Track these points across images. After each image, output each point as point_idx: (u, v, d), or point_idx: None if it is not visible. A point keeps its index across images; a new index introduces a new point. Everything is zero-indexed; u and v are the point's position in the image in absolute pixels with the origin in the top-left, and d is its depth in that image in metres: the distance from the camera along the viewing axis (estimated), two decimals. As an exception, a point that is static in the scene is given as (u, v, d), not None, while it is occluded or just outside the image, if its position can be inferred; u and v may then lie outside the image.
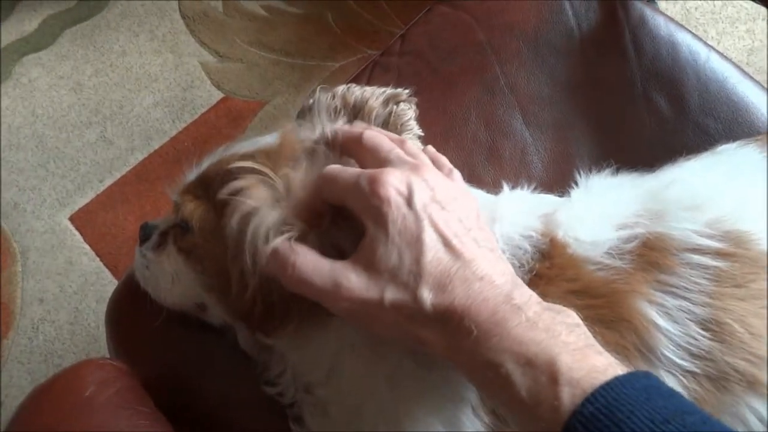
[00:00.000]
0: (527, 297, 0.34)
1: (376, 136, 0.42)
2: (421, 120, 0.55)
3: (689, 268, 0.38)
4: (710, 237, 0.38)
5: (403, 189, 0.36)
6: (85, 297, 1.12)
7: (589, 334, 0.34)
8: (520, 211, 0.43)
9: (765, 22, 1.29)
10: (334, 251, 0.39)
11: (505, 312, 0.33)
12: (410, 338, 0.36)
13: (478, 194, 0.48)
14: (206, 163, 0.47)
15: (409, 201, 0.36)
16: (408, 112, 0.52)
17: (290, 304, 0.40)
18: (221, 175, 0.43)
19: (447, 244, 0.35)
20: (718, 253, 0.38)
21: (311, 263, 0.37)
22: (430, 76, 0.62)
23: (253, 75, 1.31)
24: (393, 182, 0.36)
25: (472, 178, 0.52)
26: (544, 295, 0.37)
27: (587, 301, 0.38)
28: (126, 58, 1.34)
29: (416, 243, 0.35)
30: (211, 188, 0.44)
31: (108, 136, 1.25)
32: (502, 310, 0.33)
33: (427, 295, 0.34)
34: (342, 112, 0.51)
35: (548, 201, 0.46)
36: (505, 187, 0.47)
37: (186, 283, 0.46)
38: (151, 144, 1.24)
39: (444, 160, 0.43)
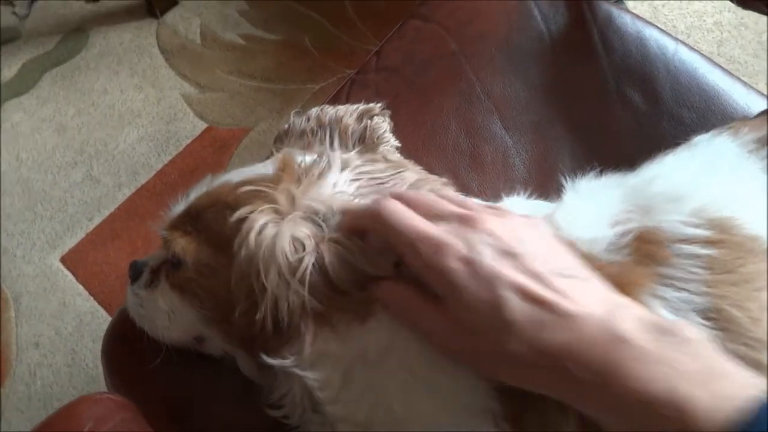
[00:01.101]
0: (631, 321, 0.32)
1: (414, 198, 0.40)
2: (401, 132, 0.56)
3: (683, 259, 0.38)
4: (697, 226, 0.39)
5: (465, 253, 0.35)
6: (81, 338, 1.11)
7: (708, 344, 0.32)
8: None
9: (732, 14, 1.32)
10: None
11: (610, 350, 0.31)
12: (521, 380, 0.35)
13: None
14: (192, 196, 0.47)
15: (475, 265, 0.34)
16: (382, 125, 0.53)
17: (300, 320, 0.40)
18: (214, 207, 0.43)
19: (527, 295, 0.33)
20: (706, 242, 0.38)
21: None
22: (406, 89, 0.63)
23: (235, 103, 1.32)
24: (454, 250, 0.35)
25: (457, 185, 0.52)
26: None
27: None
28: (107, 96, 1.34)
29: (495, 306, 0.33)
30: (200, 221, 0.44)
31: (94, 175, 1.26)
32: (605, 349, 0.31)
33: (519, 347, 0.33)
34: (318, 133, 0.52)
35: (544, 206, 0.46)
36: (503, 196, 0.47)
37: (183, 318, 0.46)
38: (137, 179, 1.24)
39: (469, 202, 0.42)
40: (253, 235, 0.39)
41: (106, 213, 1.21)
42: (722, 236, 0.38)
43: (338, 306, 0.39)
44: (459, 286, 0.34)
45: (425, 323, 0.37)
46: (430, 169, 0.56)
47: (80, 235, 1.20)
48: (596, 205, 0.43)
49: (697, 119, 0.58)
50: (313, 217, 0.41)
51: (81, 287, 1.15)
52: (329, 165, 0.44)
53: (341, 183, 0.43)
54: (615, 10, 0.64)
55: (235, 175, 0.45)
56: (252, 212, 0.40)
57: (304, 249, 0.39)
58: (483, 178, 0.58)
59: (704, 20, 1.32)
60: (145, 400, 0.44)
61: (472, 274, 0.34)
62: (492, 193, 0.57)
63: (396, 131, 0.55)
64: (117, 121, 1.32)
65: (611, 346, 0.31)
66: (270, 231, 0.40)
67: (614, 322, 0.32)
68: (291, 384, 0.42)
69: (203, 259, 0.43)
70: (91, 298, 1.14)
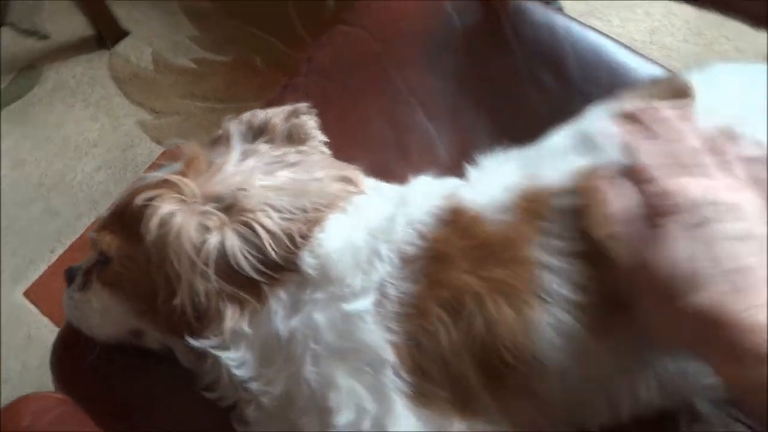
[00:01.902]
0: None
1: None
2: (329, 130, 0.59)
3: (560, 212, 0.42)
4: (571, 179, 0.42)
5: (696, 209, 0.35)
6: (48, 370, 1.11)
7: None
8: (425, 194, 0.47)
9: (661, 4, 1.39)
10: None
11: None
12: None
13: (389, 187, 0.52)
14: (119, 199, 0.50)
15: (698, 225, 0.35)
16: (309, 122, 0.56)
17: (218, 300, 0.43)
18: (131, 203, 0.46)
19: (735, 280, 0.33)
20: (576, 191, 0.42)
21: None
22: (335, 90, 0.66)
23: (190, 125, 1.34)
24: (685, 201, 0.35)
25: (386, 175, 0.56)
26: (450, 254, 0.41)
27: (486, 252, 0.42)
28: (63, 129, 1.36)
29: (695, 268, 0.34)
30: (123, 218, 0.47)
31: (53, 207, 1.26)
32: None
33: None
34: (249, 135, 0.55)
35: (450, 183, 0.49)
36: (411, 178, 0.50)
37: (115, 313, 0.49)
38: (97, 208, 1.25)
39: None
40: (155, 221, 0.42)
41: (68, 243, 1.22)
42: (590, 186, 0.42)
43: (244, 288, 0.42)
44: (674, 231, 0.35)
45: (630, 242, 0.37)
46: (360, 161, 0.59)
47: (42, 267, 1.20)
48: (494, 175, 0.46)
49: (604, 94, 0.61)
50: (215, 203, 0.44)
51: (46, 319, 1.15)
52: (231, 155, 0.47)
53: (244, 170, 0.46)
54: (524, 2, 0.68)
55: (155, 175, 0.48)
56: (155, 198, 0.43)
57: (208, 232, 0.42)
58: (410, 166, 0.60)
59: (635, 11, 1.39)
60: (89, 399, 0.45)
61: (690, 231, 0.35)
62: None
63: (325, 129, 0.58)
64: (74, 152, 1.33)
65: None
66: (175, 218, 0.42)
67: None
68: (219, 367, 0.44)
69: (126, 252, 0.46)
70: (57, 329, 1.14)
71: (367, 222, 0.45)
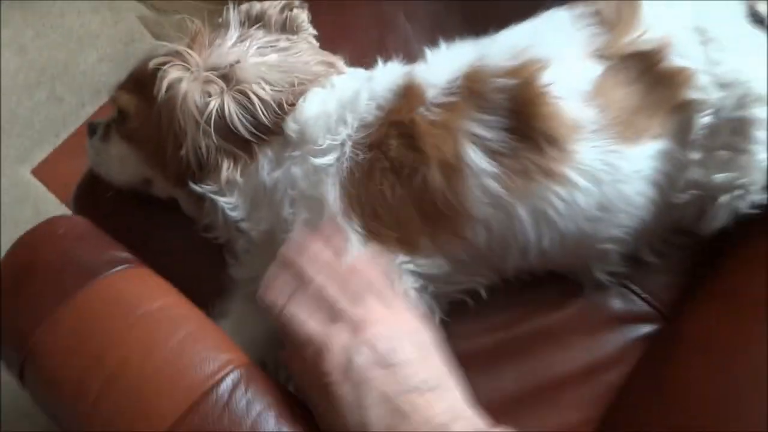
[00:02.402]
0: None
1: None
2: (320, 25, 0.66)
3: (497, 92, 0.51)
4: (512, 60, 0.51)
5: (346, 357, 0.40)
6: (56, 241, 1.22)
7: None
8: (388, 73, 0.56)
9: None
10: None
11: None
12: None
13: (363, 71, 0.60)
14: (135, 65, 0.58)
15: (350, 372, 0.40)
16: (301, 15, 0.63)
17: (216, 154, 0.52)
18: (146, 67, 0.54)
19: (389, 404, 0.39)
20: (511, 73, 0.51)
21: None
22: (326, -13, 0.72)
23: (192, 25, 1.38)
24: (335, 354, 0.41)
25: (365, 66, 0.63)
26: (399, 121, 0.50)
27: (430, 116, 0.51)
28: (65, 19, 1.39)
29: (360, 408, 0.39)
30: (139, 80, 0.56)
31: (58, 94, 1.33)
32: None
33: None
34: (246, 24, 0.62)
35: (411, 66, 0.58)
36: (379, 61, 0.59)
37: (131, 162, 0.58)
38: (100, 97, 1.32)
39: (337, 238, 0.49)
40: (164, 84, 0.51)
41: (72, 129, 1.29)
42: (525, 69, 0.50)
43: (238, 145, 0.52)
44: (334, 386, 0.40)
45: (311, 401, 0.43)
46: (344, 54, 0.67)
47: (48, 149, 1.28)
48: (449, 59, 0.55)
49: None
50: (216, 72, 0.52)
51: (53, 196, 1.25)
52: (229, 35, 0.55)
53: (241, 48, 0.54)
54: None
55: (166, 44, 0.56)
56: (165, 64, 0.52)
57: (210, 96, 0.51)
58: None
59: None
60: (110, 231, 0.55)
61: (345, 379, 0.40)
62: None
63: (316, 23, 0.66)
64: (76, 42, 1.37)
65: None
66: (181, 83, 0.51)
67: (450, 426, 0.39)
68: (216, 210, 0.54)
69: (141, 110, 0.55)
70: (63, 205, 1.24)
71: (340, 95, 0.54)
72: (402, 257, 0.51)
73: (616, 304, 0.60)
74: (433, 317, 0.55)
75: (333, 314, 0.43)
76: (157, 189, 0.60)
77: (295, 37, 0.62)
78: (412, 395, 0.40)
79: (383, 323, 0.43)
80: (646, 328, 0.60)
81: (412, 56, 0.70)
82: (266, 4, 0.64)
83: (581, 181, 0.51)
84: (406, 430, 0.38)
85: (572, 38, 0.55)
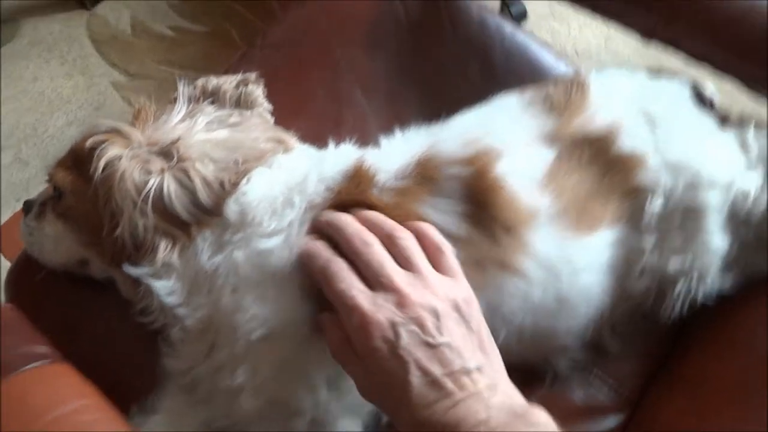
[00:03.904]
0: (497, 406, 0.38)
1: (366, 241, 0.44)
2: (275, 100, 0.65)
3: (451, 179, 0.49)
4: (464, 147, 0.50)
5: (390, 335, 0.40)
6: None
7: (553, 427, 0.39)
8: (340, 155, 0.55)
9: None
10: None
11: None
12: None
13: (314, 150, 0.59)
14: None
15: (396, 348, 0.40)
16: (256, 91, 0.63)
17: (153, 234, 0.49)
18: (86, 145, 0.52)
19: (432, 384, 0.39)
20: (464, 162, 0.49)
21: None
22: (284, 63, 0.73)
23: (162, 90, 1.39)
24: (380, 330, 0.40)
25: (321, 144, 0.63)
26: (346, 204, 0.48)
27: (383, 197, 0.50)
28: (38, 84, 1.39)
29: (402, 384, 0.39)
30: (76, 157, 0.53)
31: (23, 158, 1.31)
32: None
33: (409, 418, 0.39)
34: (201, 99, 0.61)
35: (364, 151, 0.57)
36: (331, 143, 0.58)
37: (65, 242, 0.55)
38: (66, 161, 1.30)
39: (432, 237, 0.46)
40: (102, 162, 0.49)
41: (35, 193, 1.26)
42: (479, 159, 0.50)
43: (176, 225, 0.49)
44: (378, 358, 0.40)
45: (350, 368, 0.44)
46: (300, 129, 0.66)
47: (8, 214, 1.25)
48: (402, 145, 0.54)
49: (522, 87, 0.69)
50: (158, 149, 0.51)
51: (8, 263, 1.20)
52: (176, 111, 0.54)
53: (188, 124, 0.53)
54: (465, 2, 0.75)
55: (106, 122, 0.54)
56: (103, 141, 0.50)
57: (149, 175, 0.49)
58: (343, 138, 0.68)
59: (593, 18, 1.47)
60: (37, 314, 0.52)
61: (390, 353, 0.40)
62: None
63: (272, 99, 0.65)
64: (47, 106, 1.37)
65: (477, 428, 0.38)
66: (121, 160, 0.49)
67: (487, 407, 0.39)
68: (152, 294, 0.51)
69: (77, 188, 0.52)
70: (19, 273, 1.20)
71: (287, 176, 0.52)
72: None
73: (579, 394, 0.57)
74: (381, 419, 0.51)
75: (377, 281, 0.43)
76: (94, 270, 0.56)
77: (248, 112, 0.61)
78: (455, 375, 0.40)
79: (429, 298, 0.42)
80: (611, 421, 0.57)
81: (368, 132, 0.69)
82: (222, 79, 0.63)
83: (537, 273, 0.49)
84: (445, 406, 0.39)
85: (523, 124, 0.54)
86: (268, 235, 0.48)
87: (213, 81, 0.63)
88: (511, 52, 0.72)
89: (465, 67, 0.71)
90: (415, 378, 0.39)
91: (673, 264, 0.52)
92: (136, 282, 0.52)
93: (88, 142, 0.51)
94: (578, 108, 0.55)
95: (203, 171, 0.51)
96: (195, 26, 1.49)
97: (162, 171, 0.50)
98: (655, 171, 0.52)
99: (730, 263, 0.55)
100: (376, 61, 0.72)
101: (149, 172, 0.50)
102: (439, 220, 0.48)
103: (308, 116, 0.69)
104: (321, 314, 0.46)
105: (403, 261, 0.44)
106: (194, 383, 0.51)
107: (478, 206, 0.49)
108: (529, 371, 0.57)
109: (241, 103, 0.62)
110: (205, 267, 0.50)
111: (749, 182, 0.53)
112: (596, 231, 0.51)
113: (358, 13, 0.74)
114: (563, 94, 0.56)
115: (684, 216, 0.52)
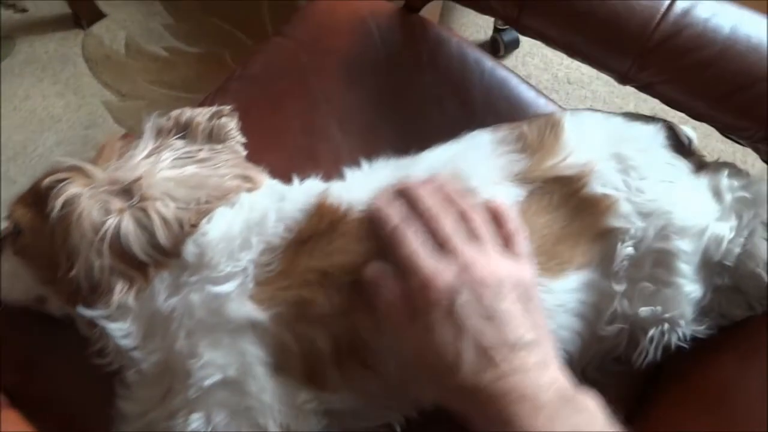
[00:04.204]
0: (547, 388, 0.39)
1: (440, 212, 0.45)
2: (250, 133, 0.65)
3: None
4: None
5: (449, 299, 0.41)
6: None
7: (599, 412, 0.39)
8: (302, 193, 0.54)
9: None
10: None
11: (522, 406, 0.38)
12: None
13: (281, 187, 0.58)
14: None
15: (452, 314, 0.40)
16: (229, 123, 0.62)
17: (110, 275, 0.48)
18: (45, 181, 0.52)
19: (484, 355, 0.39)
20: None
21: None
22: (260, 95, 0.72)
23: (154, 111, 1.39)
24: (440, 293, 0.41)
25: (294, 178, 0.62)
26: (307, 243, 0.47)
27: (350, 234, 0.48)
28: (29, 102, 1.40)
29: (455, 351, 0.40)
30: (37, 194, 0.53)
31: (11, 176, 1.30)
32: (519, 404, 0.38)
33: (458, 383, 0.39)
34: (174, 131, 0.61)
35: (328, 184, 0.56)
36: (295, 179, 0.57)
37: (23, 279, 0.54)
38: (54, 181, 1.30)
39: (507, 218, 0.47)
40: (60, 201, 0.48)
41: (21, 212, 1.26)
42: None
43: (133, 267, 0.48)
44: (433, 322, 0.41)
45: (398, 330, 0.43)
46: (273, 163, 0.65)
47: (-6, 233, 1.24)
48: (368, 178, 0.53)
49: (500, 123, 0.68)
50: (119, 188, 0.50)
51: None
52: (141, 147, 0.53)
53: (152, 161, 0.52)
54: (443, 33, 0.75)
55: (67, 160, 0.53)
56: (63, 180, 0.49)
57: (108, 214, 0.48)
58: (317, 172, 0.67)
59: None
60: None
61: (446, 319, 0.40)
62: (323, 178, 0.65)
63: (246, 131, 0.64)
64: (37, 125, 1.37)
65: (523, 403, 0.38)
66: (79, 199, 0.48)
67: (535, 385, 0.39)
68: (107, 335, 0.50)
69: (36, 225, 0.51)
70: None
71: (248, 215, 0.51)
72: (304, 395, 0.47)
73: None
74: None
75: (444, 248, 0.43)
76: (52, 307, 0.55)
77: (219, 146, 0.61)
78: (506, 348, 0.40)
79: (492, 269, 0.43)
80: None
81: (342, 164, 0.68)
82: (196, 111, 0.63)
83: None
84: (493, 376, 0.39)
85: (493, 162, 0.54)
86: (223, 278, 0.47)
87: (187, 113, 0.63)
88: (491, 88, 0.71)
89: (443, 102, 0.71)
90: (467, 345, 0.40)
91: (644, 313, 0.51)
92: (93, 322, 0.51)
93: (46, 181, 0.50)
94: (551, 149, 0.54)
95: (163, 211, 0.50)
96: (189, 48, 1.50)
97: (121, 211, 0.49)
98: (626, 216, 0.51)
99: (704, 309, 0.54)
100: (353, 95, 0.71)
101: (108, 212, 0.49)
102: None
103: (282, 150, 0.69)
104: (372, 266, 0.45)
105: (473, 236, 0.45)
106: (149, 428, 0.50)
107: None
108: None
109: (214, 136, 0.62)
110: (161, 309, 0.49)
111: (722, 229, 0.52)
112: (565, 275, 0.50)
113: (338, 47, 0.73)
114: (536, 134, 0.55)
115: (655, 263, 0.51)
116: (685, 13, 0.54)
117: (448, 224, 0.45)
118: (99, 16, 1.51)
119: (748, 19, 0.54)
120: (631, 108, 1.36)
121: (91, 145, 1.34)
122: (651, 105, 0.63)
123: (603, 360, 0.56)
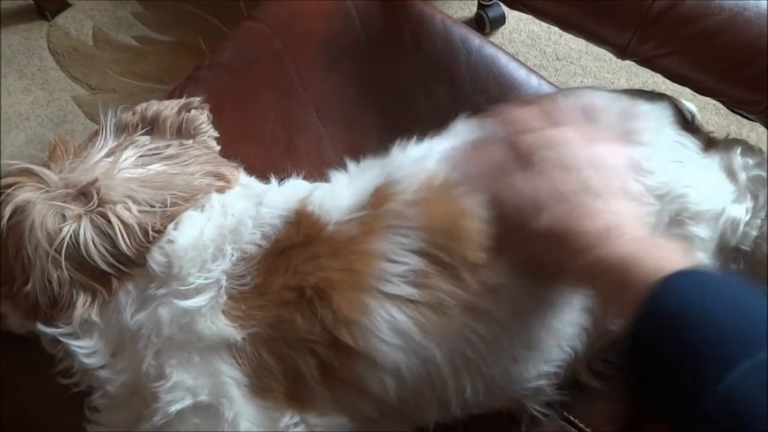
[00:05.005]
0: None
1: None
2: (223, 124, 0.60)
3: (408, 206, 0.44)
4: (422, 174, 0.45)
5: (557, 143, 0.43)
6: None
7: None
8: (281, 197, 0.49)
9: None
10: None
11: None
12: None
13: (257, 186, 0.54)
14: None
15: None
16: (200, 116, 0.57)
17: (70, 288, 0.44)
18: None
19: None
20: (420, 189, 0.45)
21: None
22: (233, 84, 0.67)
23: (127, 104, 1.32)
24: (550, 137, 0.43)
25: (272, 171, 0.57)
26: (286, 253, 0.43)
27: (326, 249, 0.44)
28: (-6, 100, 1.33)
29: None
30: None
31: (-22, 178, 1.24)
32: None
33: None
34: (140, 126, 0.56)
35: (312, 186, 0.51)
36: (273, 180, 0.52)
37: (-24, 297, 0.49)
38: (24, 181, 1.24)
39: None
40: (9, 208, 0.43)
41: (-9, 216, 1.20)
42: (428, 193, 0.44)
43: (95, 278, 0.44)
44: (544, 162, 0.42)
45: (515, 187, 0.44)
46: (249, 156, 0.60)
47: (-37, 239, 1.18)
48: (353, 181, 0.49)
49: (491, 105, 0.64)
50: (75, 190, 0.45)
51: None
52: (99, 145, 0.48)
53: (112, 160, 0.47)
54: (426, 11, 0.70)
55: (17, 163, 0.48)
56: (13, 186, 0.44)
57: (64, 221, 0.43)
58: (297, 165, 0.62)
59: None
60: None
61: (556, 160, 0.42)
62: (306, 177, 0.61)
63: (219, 123, 0.60)
64: (4, 124, 1.30)
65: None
66: (31, 205, 0.44)
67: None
68: (70, 354, 0.46)
69: None
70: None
71: (221, 221, 0.46)
72: (287, 418, 0.42)
73: (558, 437, 0.53)
74: None
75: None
76: (11, 324, 0.51)
77: (189, 141, 0.56)
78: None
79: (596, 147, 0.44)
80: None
81: (323, 158, 0.64)
82: (164, 104, 0.58)
83: (505, 316, 0.44)
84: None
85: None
86: (194, 291, 0.43)
87: (153, 106, 0.58)
88: (478, 68, 0.67)
89: (428, 85, 0.66)
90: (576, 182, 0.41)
91: None
92: (56, 340, 0.47)
93: None
94: None
95: (124, 215, 0.45)
96: (161, 36, 1.43)
97: (78, 217, 0.45)
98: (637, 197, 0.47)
99: None
100: (333, 82, 0.67)
101: (64, 218, 0.45)
102: (395, 259, 0.43)
103: (258, 141, 0.64)
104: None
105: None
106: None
107: (439, 238, 0.43)
108: (505, 415, 0.52)
109: (183, 130, 0.57)
110: (128, 325, 0.44)
111: (738, 211, 0.49)
112: None
113: (314, 31, 0.68)
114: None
115: None
116: (688, -22, 0.49)
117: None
118: (64, 5, 1.44)
119: (756, -17, 0.49)
120: (623, 83, 1.32)
121: (62, 143, 1.28)
122: (643, 79, 0.59)
123: (609, 352, 0.53)
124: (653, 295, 0.34)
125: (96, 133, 0.57)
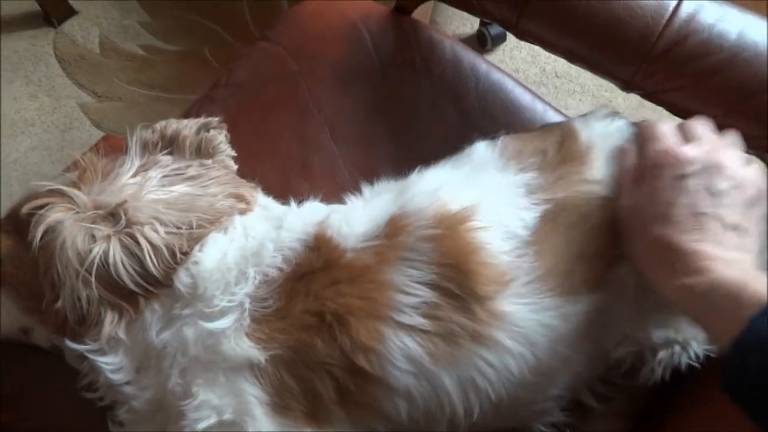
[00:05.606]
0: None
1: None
2: (239, 142, 0.62)
3: (421, 241, 0.46)
4: (438, 206, 0.47)
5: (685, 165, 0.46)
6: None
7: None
8: (301, 220, 0.51)
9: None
10: None
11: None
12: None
13: (276, 208, 0.55)
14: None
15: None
16: (218, 136, 0.59)
17: (98, 306, 0.46)
18: (25, 207, 0.48)
19: (696, 219, 0.44)
20: (438, 222, 0.47)
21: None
22: (249, 104, 0.69)
23: (133, 113, 1.34)
24: (678, 157, 0.46)
25: (287, 191, 0.59)
26: (307, 278, 0.44)
27: (345, 276, 0.46)
28: (0, 105, 1.34)
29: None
30: (17, 223, 0.49)
31: (-16, 184, 1.25)
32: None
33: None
34: (160, 145, 0.57)
35: (329, 209, 0.53)
36: (292, 203, 0.54)
37: (5, 309, 0.51)
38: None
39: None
40: (41, 228, 0.45)
41: (-4, 222, 1.21)
42: (443, 230, 0.46)
43: (123, 297, 0.45)
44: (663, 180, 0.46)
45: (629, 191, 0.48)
46: (264, 175, 0.62)
47: (-32, 244, 1.19)
48: (368, 206, 0.51)
49: (498, 130, 0.66)
50: (104, 211, 0.47)
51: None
52: (127, 166, 0.50)
53: (139, 181, 0.49)
54: (436, 36, 0.72)
55: (48, 184, 0.50)
56: (44, 207, 0.46)
57: (94, 241, 0.45)
58: (312, 184, 0.65)
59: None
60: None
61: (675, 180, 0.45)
62: (320, 197, 0.63)
63: (235, 142, 0.62)
64: (9, 129, 1.31)
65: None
66: (62, 226, 0.45)
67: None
68: (96, 370, 0.47)
69: (16, 254, 0.48)
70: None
71: (243, 243, 0.48)
72: (307, 435, 0.44)
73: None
74: None
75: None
76: (38, 339, 0.52)
77: (209, 161, 0.58)
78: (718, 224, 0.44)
79: (735, 165, 0.46)
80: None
81: (336, 177, 0.66)
82: (182, 123, 0.59)
83: (513, 345, 0.46)
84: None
85: (503, 180, 0.51)
86: (218, 314, 0.45)
87: (172, 125, 0.59)
88: (486, 95, 0.69)
89: (438, 109, 0.69)
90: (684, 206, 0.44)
91: (658, 336, 0.49)
92: (82, 356, 0.49)
93: (26, 207, 0.47)
94: (571, 166, 0.51)
95: (152, 236, 0.47)
96: (167, 45, 1.44)
97: (108, 237, 0.47)
98: None
99: None
100: (346, 103, 0.69)
101: (94, 239, 0.46)
102: (408, 291, 0.45)
103: (274, 161, 0.66)
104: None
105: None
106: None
107: (450, 272, 0.45)
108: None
109: (202, 150, 0.59)
110: (154, 343, 0.46)
111: None
112: (579, 299, 0.48)
113: (328, 53, 0.70)
114: (554, 150, 0.53)
115: None
116: (690, 18, 0.52)
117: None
118: (70, 12, 1.45)
119: (753, 24, 0.52)
120: (619, 101, 1.35)
121: (69, 149, 1.29)
122: (639, 99, 0.60)
123: (610, 376, 0.55)
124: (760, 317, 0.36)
125: (108, 138, 0.59)
